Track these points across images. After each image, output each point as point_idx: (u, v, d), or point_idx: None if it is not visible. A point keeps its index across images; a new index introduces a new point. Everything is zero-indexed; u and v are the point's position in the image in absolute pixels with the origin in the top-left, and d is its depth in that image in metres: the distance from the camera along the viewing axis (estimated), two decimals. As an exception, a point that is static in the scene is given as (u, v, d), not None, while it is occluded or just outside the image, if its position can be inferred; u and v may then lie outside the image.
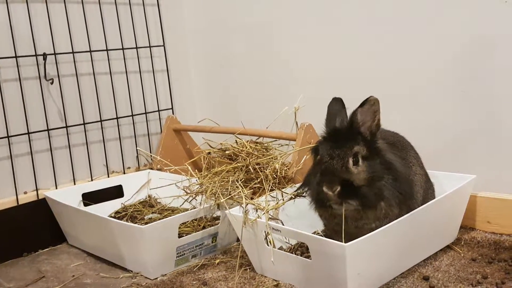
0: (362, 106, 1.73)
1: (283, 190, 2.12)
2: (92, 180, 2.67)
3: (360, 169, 1.70)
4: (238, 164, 2.32)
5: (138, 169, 2.87)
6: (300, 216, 2.08)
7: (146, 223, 2.16)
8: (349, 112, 1.78)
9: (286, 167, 2.28)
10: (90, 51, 2.66)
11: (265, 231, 1.86)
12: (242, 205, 1.96)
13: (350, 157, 1.69)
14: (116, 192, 2.64)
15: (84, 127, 2.66)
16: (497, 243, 2.04)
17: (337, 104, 1.82)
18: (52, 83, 2.53)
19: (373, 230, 1.68)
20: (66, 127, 2.59)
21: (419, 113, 2.33)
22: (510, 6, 2.02)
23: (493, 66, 2.10)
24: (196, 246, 2.11)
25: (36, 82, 2.49)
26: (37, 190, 2.47)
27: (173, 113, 3.02)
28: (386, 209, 1.75)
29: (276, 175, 2.21)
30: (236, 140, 2.59)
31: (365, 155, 1.72)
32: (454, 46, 2.19)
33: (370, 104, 1.73)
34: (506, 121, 2.11)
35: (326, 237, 1.82)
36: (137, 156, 2.90)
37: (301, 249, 2.00)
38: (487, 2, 2.07)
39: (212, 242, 2.16)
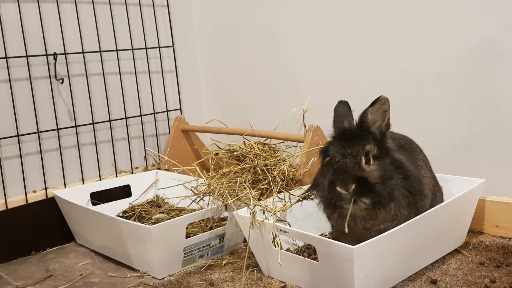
0: (372, 106, 1.73)
1: (290, 192, 2.12)
2: (100, 179, 2.68)
3: (372, 168, 1.69)
4: (246, 165, 2.32)
5: (146, 169, 2.88)
6: (308, 218, 2.08)
7: (154, 223, 2.17)
8: (355, 115, 1.78)
9: (294, 168, 2.28)
10: (100, 51, 2.68)
11: (272, 233, 1.86)
12: (250, 206, 1.96)
13: (363, 155, 1.69)
14: (124, 191, 2.66)
15: (93, 126, 2.68)
16: (505, 247, 2.03)
17: (343, 107, 1.83)
18: (62, 82, 2.54)
19: (381, 232, 1.68)
20: (76, 126, 2.61)
21: (427, 116, 2.33)
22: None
23: (501, 69, 2.09)
24: (203, 247, 2.11)
25: (46, 81, 2.51)
26: (46, 189, 2.48)
27: (181, 114, 3.03)
28: (395, 211, 1.74)
29: (284, 177, 2.21)
30: (244, 141, 2.59)
31: (376, 154, 1.71)
32: (462, 49, 2.17)
33: (381, 104, 1.73)
34: (515, 125, 2.10)
35: (333, 239, 1.82)
36: (145, 156, 2.91)
37: (308, 251, 2.00)
38: (495, 5, 2.06)
39: (219, 243, 2.17)
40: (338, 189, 1.66)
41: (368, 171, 1.68)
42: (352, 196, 1.66)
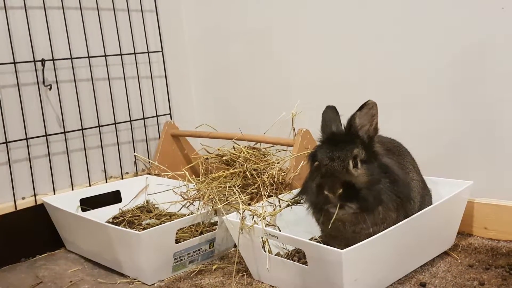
0: (360, 110, 1.74)
1: (280, 196, 2.12)
2: (90, 185, 2.67)
3: (359, 171, 1.70)
4: (236, 170, 2.32)
5: (136, 174, 2.87)
6: (297, 222, 2.08)
7: (144, 229, 2.17)
8: (343, 119, 1.79)
9: (284, 172, 2.28)
10: (89, 57, 2.67)
11: (262, 237, 1.86)
12: (239, 211, 1.96)
13: (351, 159, 1.70)
14: (114, 197, 2.65)
15: (82, 132, 2.67)
16: (494, 249, 2.04)
17: (331, 112, 1.84)
18: (50, 89, 2.53)
19: (370, 235, 1.68)
20: (64, 132, 2.60)
21: (416, 119, 2.34)
22: (506, 12, 2.03)
23: (489, 71, 2.11)
24: (193, 252, 2.11)
25: (35, 88, 2.49)
26: (35, 195, 2.47)
27: (171, 119, 3.03)
28: (383, 214, 1.75)
29: (274, 181, 2.21)
30: (233, 146, 2.59)
31: (363, 158, 1.72)
32: (451, 52, 2.19)
33: (368, 108, 1.74)
34: (503, 127, 2.11)
35: (323, 243, 1.82)
36: (135, 162, 2.91)
37: (298, 255, 2.00)
38: (484, 8, 2.08)
39: (209, 248, 2.16)
40: (326, 192, 1.66)
41: (355, 175, 1.69)
42: (339, 201, 1.66)
